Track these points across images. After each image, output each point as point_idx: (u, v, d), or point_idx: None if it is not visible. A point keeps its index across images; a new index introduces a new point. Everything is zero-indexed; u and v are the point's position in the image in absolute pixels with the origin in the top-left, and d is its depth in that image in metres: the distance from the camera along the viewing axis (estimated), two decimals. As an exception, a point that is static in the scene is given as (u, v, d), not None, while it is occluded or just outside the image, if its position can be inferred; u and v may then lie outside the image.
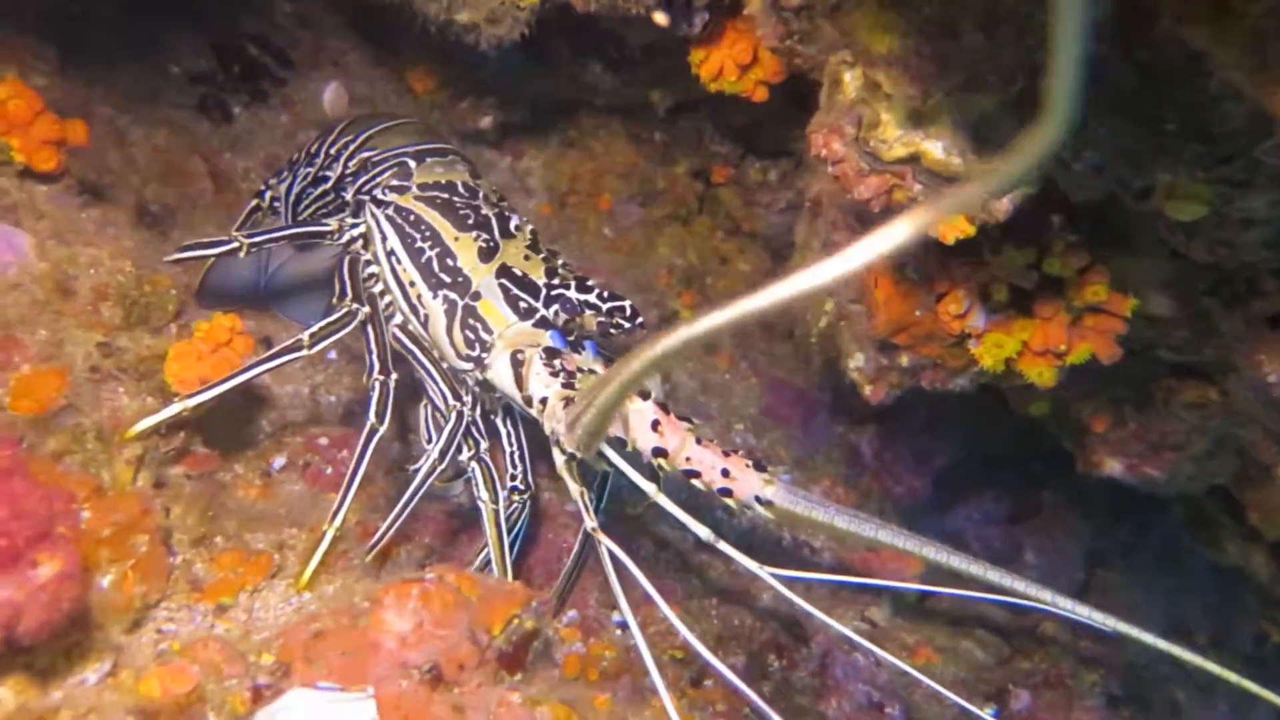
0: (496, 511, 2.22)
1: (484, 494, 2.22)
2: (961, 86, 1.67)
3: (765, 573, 1.85)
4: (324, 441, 2.43)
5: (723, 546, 1.89)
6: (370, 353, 2.17)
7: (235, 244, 2.21)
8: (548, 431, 2.02)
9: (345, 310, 2.17)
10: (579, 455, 1.91)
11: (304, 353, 2.05)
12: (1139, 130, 1.72)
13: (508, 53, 2.39)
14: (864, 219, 2.19)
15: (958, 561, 1.98)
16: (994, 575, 1.98)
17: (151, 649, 1.58)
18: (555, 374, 2.01)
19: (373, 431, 2.07)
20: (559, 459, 2.02)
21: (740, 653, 2.75)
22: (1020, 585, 1.96)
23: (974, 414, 3.16)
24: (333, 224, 2.39)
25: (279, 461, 2.34)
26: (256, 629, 1.70)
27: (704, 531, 1.90)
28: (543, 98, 3.27)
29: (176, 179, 2.74)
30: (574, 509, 2.78)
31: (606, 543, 1.93)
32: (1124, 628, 1.89)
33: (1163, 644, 1.86)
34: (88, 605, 1.49)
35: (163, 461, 1.93)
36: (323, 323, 2.12)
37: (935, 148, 1.75)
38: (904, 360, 2.44)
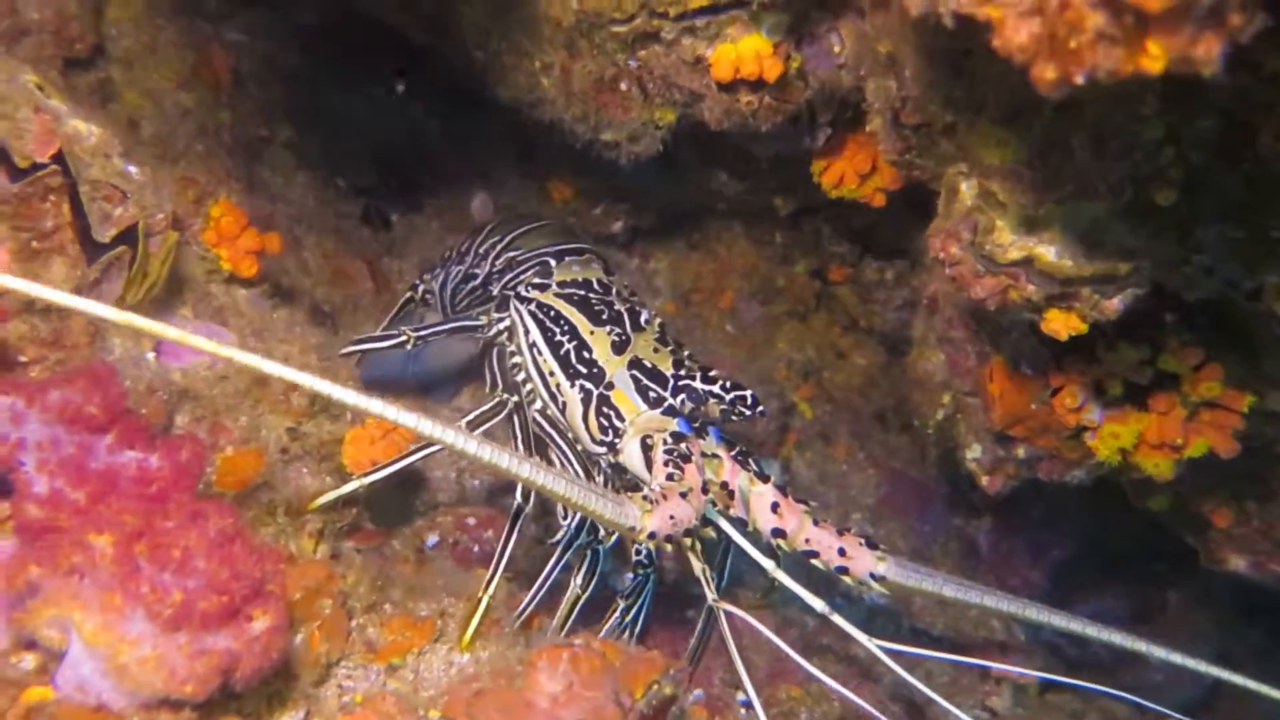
0: (580, 597, 2.37)
1: (579, 579, 2.36)
2: (1072, 195, 1.79)
3: (873, 645, 1.98)
4: (471, 521, 2.63)
5: (836, 619, 2.01)
6: (515, 438, 2.41)
7: (404, 339, 2.48)
8: None
9: (497, 400, 2.41)
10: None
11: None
12: (1247, 235, 1.81)
13: (642, 164, 2.61)
14: (980, 317, 2.30)
15: (1062, 621, 2.09)
16: (1113, 636, 2.04)
17: (336, 701, 1.77)
18: (666, 464, 2.11)
19: (519, 510, 2.27)
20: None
21: (861, 736, 2.80)
22: (1143, 645, 2.01)
23: (1093, 510, 3.19)
24: (482, 319, 2.64)
25: (432, 539, 2.54)
26: (423, 687, 1.87)
27: (819, 604, 2.02)
28: (671, 204, 3.49)
29: (343, 281, 3.03)
30: (698, 590, 2.93)
31: (731, 609, 2.07)
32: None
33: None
34: (287, 658, 1.69)
35: (338, 535, 2.15)
36: (478, 412, 2.36)
37: (1048, 251, 1.86)
38: (1020, 452, 2.50)
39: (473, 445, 1.39)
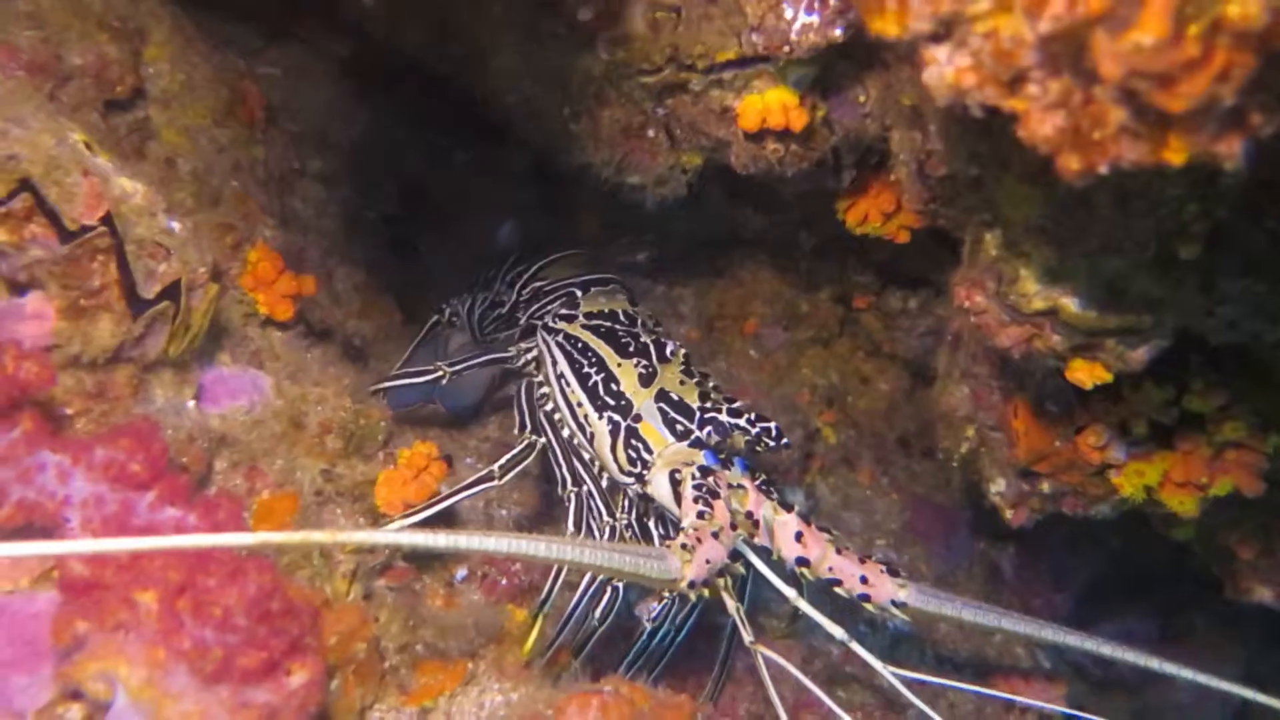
0: (596, 630, 2.38)
1: (597, 613, 2.36)
2: (1097, 250, 1.80)
3: (891, 674, 2.02)
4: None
5: (855, 647, 2.06)
6: (560, 467, 2.48)
7: (440, 373, 2.56)
8: None
9: (526, 443, 2.47)
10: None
11: (495, 483, 2.32)
12: (1270, 289, 1.82)
13: (667, 204, 2.64)
14: (1005, 361, 2.31)
15: (1077, 641, 2.13)
16: (1133, 656, 2.09)
17: (371, 747, 1.81)
18: (696, 501, 2.13)
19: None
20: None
21: (886, 767, 2.82)
22: (1167, 665, 2.05)
23: (1118, 533, 3.19)
24: (512, 351, 2.70)
25: (461, 573, 2.58)
26: (456, 731, 1.91)
27: (839, 632, 2.07)
28: (696, 234, 3.52)
29: (373, 312, 3.08)
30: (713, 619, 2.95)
31: (767, 654, 2.10)
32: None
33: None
34: (325, 707, 1.73)
35: (370, 575, 2.19)
36: (509, 456, 2.42)
37: (1072, 303, 1.87)
38: (1045, 487, 2.51)
39: (523, 545, 1.43)
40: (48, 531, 1.68)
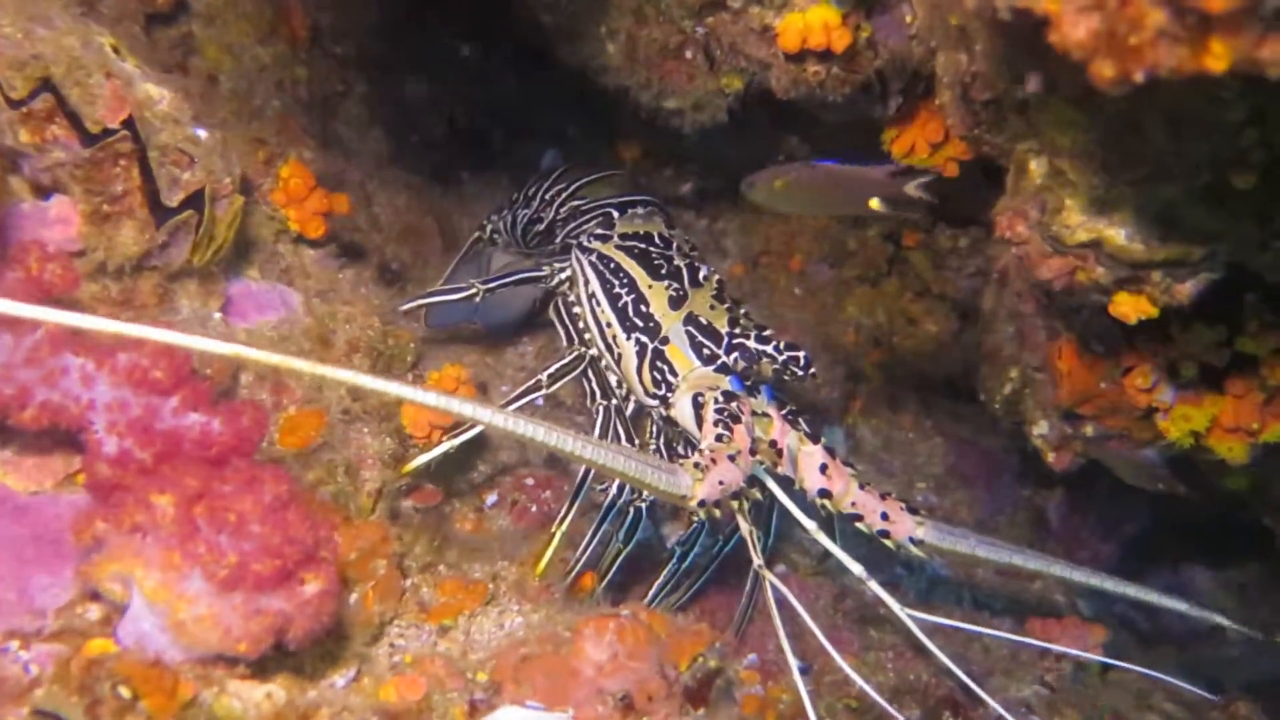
0: (621, 551, 2.41)
1: (620, 535, 2.39)
2: (1146, 178, 1.73)
3: (904, 614, 2.03)
4: (530, 482, 2.66)
5: (871, 585, 2.05)
6: (589, 381, 2.48)
7: (473, 291, 2.55)
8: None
9: (575, 354, 2.49)
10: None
11: (544, 391, 2.35)
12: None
13: (708, 130, 2.58)
14: (1050, 294, 2.25)
15: (1099, 581, 2.19)
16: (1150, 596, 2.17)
17: (387, 660, 1.82)
18: (716, 424, 2.13)
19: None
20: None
21: (915, 707, 2.79)
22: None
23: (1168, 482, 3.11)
24: (546, 270, 2.68)
25: (491, 499, 2.59)
26: (473, 650, 1.92)
27: (857, 568, 2.06)
28: (740, 166, 3.44)
29: (412, 238, 3.07)
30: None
31: (771, 579, 2.09)
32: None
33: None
34: (340, 619, 1.74)
35: (397, 495, 2.20)
36: (558, 365, 2.44)
37: (1119, 234, 1.81)
38: (1089, 430, 2.45)
39: (539, 431, 1.43)
40: (73, 435, 1.70)
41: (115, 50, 1.84)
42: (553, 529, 2.25)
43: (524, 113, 3.72)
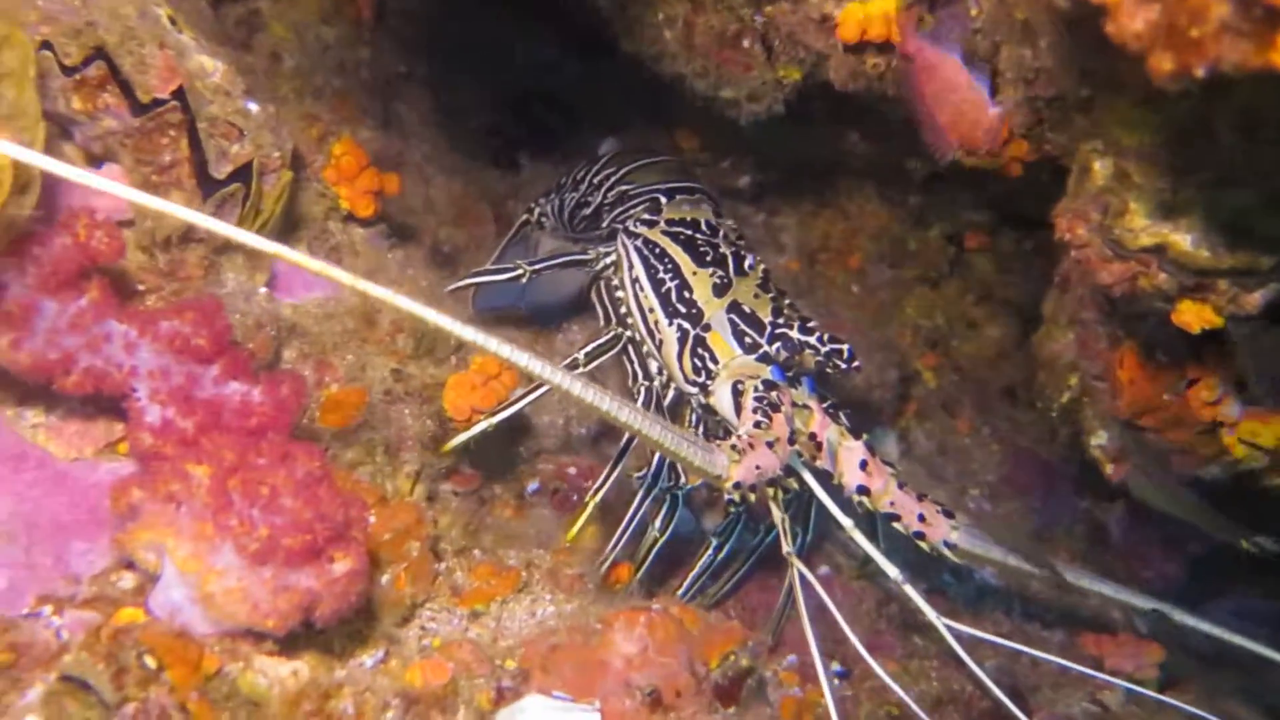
0: (657, 540, 2.39)
1: (657, 523, 2.38)
2: (1215, 182, 1.67)
3: (940, 622, 1.98)
4: (573, 471, 2.65)
5: (908, 589, 2.01)
6: (632, 360, 2.47)
7: (520, 272, 2.54)
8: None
9: (612, 334, 2.47)
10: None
11: (580, 370, 2.34)
12: None
13: (765, 121, 2.54)
14: (1114, 305, 2.19)
15: (1127, 598, 2.19)
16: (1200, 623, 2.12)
17: (416, 643, 1.82)
18: (755, 411, 2.10)
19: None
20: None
21: (957, 717, 2.74)
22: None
23: (1239, 501, 3.02)
24: (591, 254, 2.67)
25: (533, 486, 2.58)
26: (503, 636, 1.91)
27: (892, 570, 2.02)
28: (799, 160, 3.40)
29: (466, 222, 3.07)
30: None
31: (800, 567, 2.07)
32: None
33: None
34: (370, 599, 1.74)
35: (436, 477, 2.19)
36: (594, 344, 2.43)
37: (1184, 239, 1.75)
38: (1148, 439, 2.39)
39: (576, 385, 1.40)
40: (114, 402, 1.71)
41: (172, 21, 1.86)
42: (587, 498, 2.26)
43: (585, 100, 3.70)
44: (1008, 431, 3.56)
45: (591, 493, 2.28)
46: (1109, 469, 2.54)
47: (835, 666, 2.68)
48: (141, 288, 1.82)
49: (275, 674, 1.55)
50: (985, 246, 3.47)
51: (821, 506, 2.10)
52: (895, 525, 2.15)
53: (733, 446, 1.87)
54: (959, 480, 3.44)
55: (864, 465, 2.11)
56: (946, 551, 2.14)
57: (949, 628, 1.97)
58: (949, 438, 3.52)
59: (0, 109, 1.51)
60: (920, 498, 2.15)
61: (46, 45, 1.71)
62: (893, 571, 2.00)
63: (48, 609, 1.56)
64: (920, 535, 2.14)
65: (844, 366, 2.24)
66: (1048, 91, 1.87)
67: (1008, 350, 3.56)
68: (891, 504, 2.12)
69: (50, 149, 1.66)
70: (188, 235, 1.84)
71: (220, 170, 1.85)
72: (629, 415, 1.50)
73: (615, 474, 2.30)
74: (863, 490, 2.11)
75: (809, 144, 3.09)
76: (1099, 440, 2.54)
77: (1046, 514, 3.53)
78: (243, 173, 1.89)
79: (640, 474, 2.33)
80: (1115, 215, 1.81)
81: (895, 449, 3.40)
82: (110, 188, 1.13)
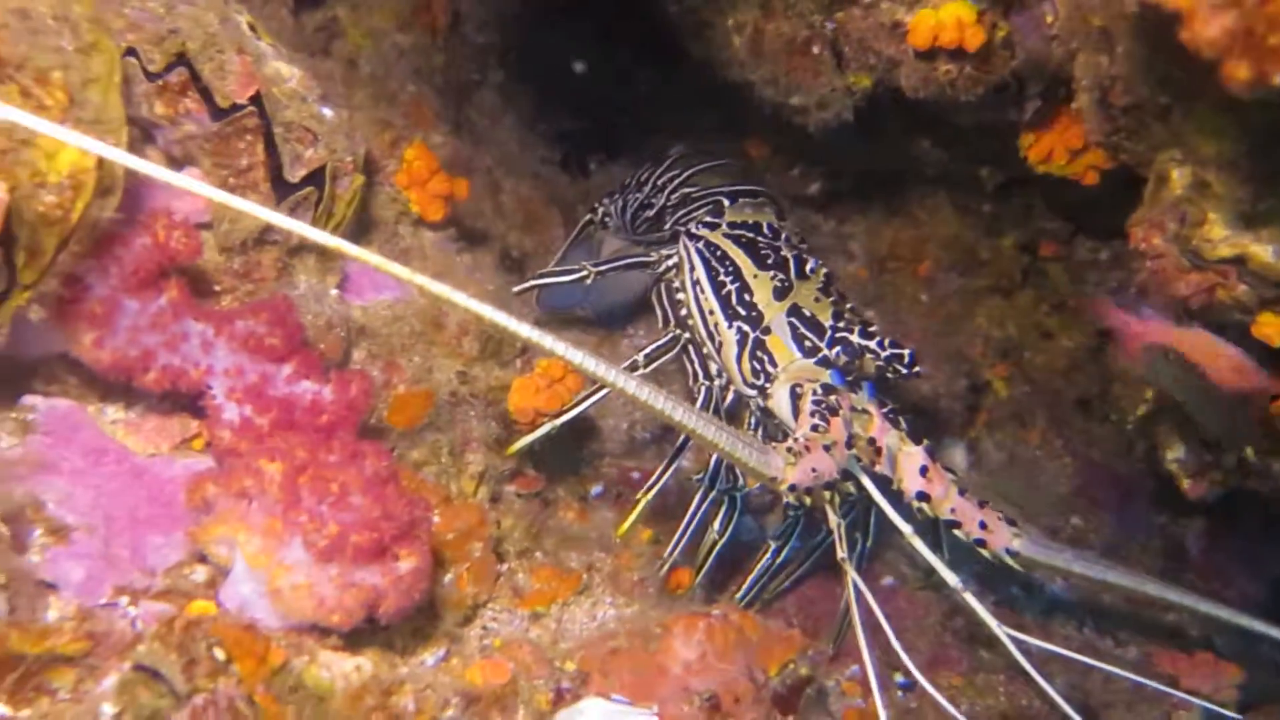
0: (716, 543, 2.38)
1: (716, 525, 2.37)
2: (1298, 192, 1.63)
3: (1003, 632, 1.96)
4: (636, 474, 2.66)
5: (968, 598, 2.00)
6: (693, 361, 2.49)
7: (585, 274, 2.57)
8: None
9: (671, 336, 2.49)
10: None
11: (640, 372, 2.36)
12: None
13: (834, 129, 2.53)
14: (1193, 317, 2.14)
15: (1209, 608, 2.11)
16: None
17: (478, 643, 1.84)
18: (813, 414, 2.10)
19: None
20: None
21: (1024, 734, 2.70)
22: None
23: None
24: (654, 256, 2.70)
25: (596, 489, 2.59)
26: (563, 638, 1.92)
27: (952, 578, 2.01)
28: (869, 166, 3.37)
29: (535, 227, 3.10)
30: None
31: (852, 575, 2.07)
32: None
33: None
34: (433, 598, 1.76)
35: (499, 479, 2.22)
36: (653, 346, 2.45)
37: (1265, 250, 1.70)
38: (1230, 458, 2.33)
39: (631, 385, 1.41)
40: (190, 400, 1.76)
41: (252, 28, 1.91)
42: (638, 496, 2.28)
43: (656, 107, 3.71)
44: (1081, 444, 3.48)
45: (643, 491, 2.29)
46: (1186, 484, 2.49)
47: (898, 679, 2.65)
48: (218, 288, 1.87)
49: (339, 669, 1.58)
50: (1060, 255, 3.40)
51: (882, 514, 2.08)
52: (956, 532, 2.12)
53: (789, 449, 1.87)
54: (1029, 493, 3.37)
55: (924, 471, 2.09)
56: (1008, 559, 2.11)
57: (1012, 638, 1.94)
58: (1020, 449, 3.45)
59: (86, 114, 1.56)
60: (981, 505, 2.11)
61: (131, 51, 1.76)
62: (952, 579, 1.98)
63: (124, 600, 1.60)
64: (981, 542, 2.11)
65: (905, 371, 2.23)
66: (1124, 99, 1.83)
67: (1082, 361, 3.49)
68: (952, 510, 2.09)
69: (133, 152, 1.70)
70: (262, 237, 1.89)
71: (294, 174, 1.90)
72: (684, 416, 1.50)
73: (668, 474, 2.31)
74: (922, 496, 2.09)
75: (879, 151, 3.06)
76: (1176, 454, 2.49)
77: (1121, 529, 3.45)
78: (316, 177, 1.93)
79: (699, 476, 2.34)
80: (1193, 225, 1.77)
81: (964, 459, 3.35)
82: (196, 187, 1.16)
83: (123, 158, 1.06)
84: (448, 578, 1.87)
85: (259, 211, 1.17)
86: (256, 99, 1.80)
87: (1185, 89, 1.66)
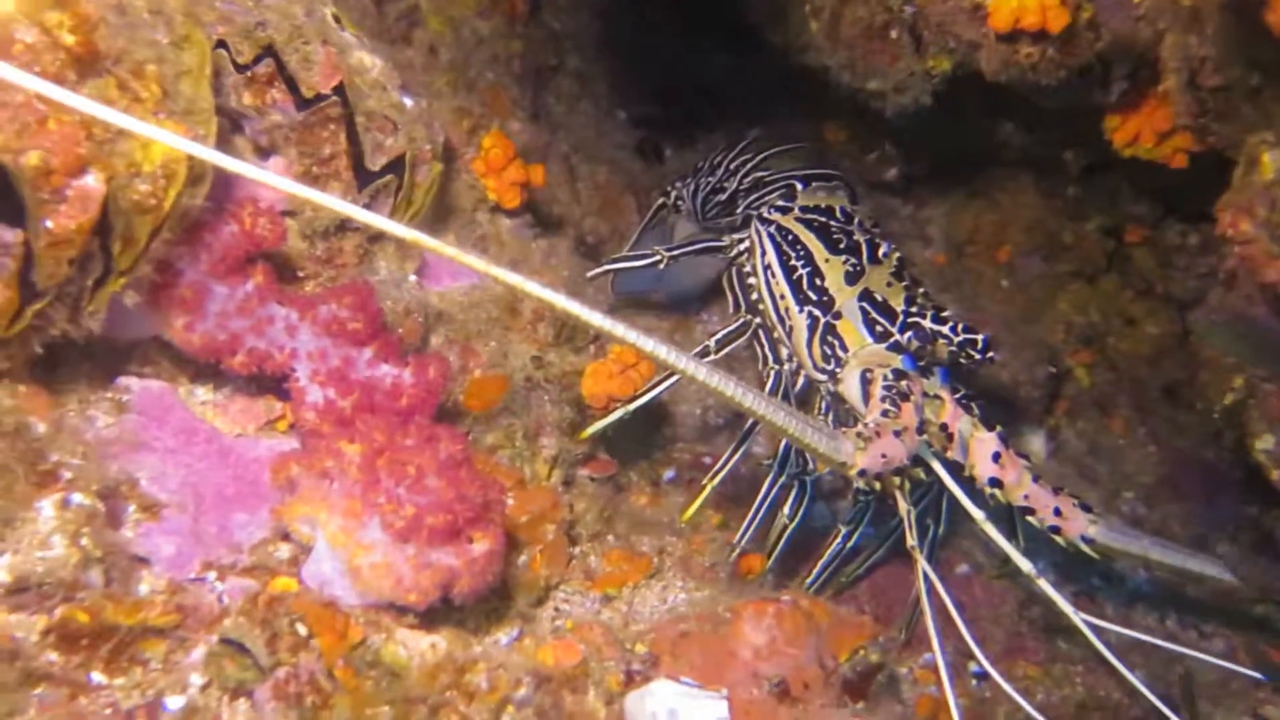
0: (787, 527, 2.39)
1: (786, 510, 2.37)
2: (1396, 177, 1.57)
3: (1080, 618, 1.95)
4: (708, 460, 2.67)
5: (1042, 584, 1.99)
6: (763, 345, 2.50)
7: (658, 258, 2.58)
8: None
9: (742, 321, 2.50)
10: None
11: (712, 357, 2.38)
12: None
13: (913, 113, 2.50)
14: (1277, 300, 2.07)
15: None
16: None
17: (549, 624, 1.87)
18: (884, 400, 2.09)
19: None
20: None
21: (1102, 724, 2.66)
22: None
23: None
24: (726, 240, 2.70)
25: (669, 474, 2.61)
26: (634, 621, 1.94)
27: (1025, 564, 2.01)
28: (948, 151, 3.32)
29: (611, 212, 3.12)
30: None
31: (922, 563, 2.06)
32: None
33: None
34: (506, 579, 1.80)
35: (572, 463, 2.24)
36: (724, 332, 2.46)
37: (1358, 238, 1.66)
38: (1319, 449, 2.27)
39: (701, 370, 1.41)
40: (275, 382, 1.81)
41: (336, 19, 1.95)
42: (704, 480, 2.29)
43: (733, 92, 3.70)
44: (1166, 433, 3.41)
45: (710, 475, 2.30)
46: (1275, 475, 2.42)
47: (972, 667, 2.63)
48: (301, 274, 1.92)
49: (415, 646, 1.62)
50: (1146, 240, 3.32)
51: (955, 501, 2.07)
52: (1030, 519, 2.11)
53: (859, 434, 1.87)
54: (1113, 482, 3.31)
55: (997, 457, 2.07)
56: (1084, 546, 2.10)
57: (1088, 623, 1.92)
58: (1102, 437, 3.39)
59: (179, 105, 1.61)
60: (1056, 491, 2.10)
61: (222, 44, 1.82)
62: (1025, 565, 1.96)
63: (212, 575, 1.66)
64: (1056, 529, 2.10)
65: (978, 357, 2.21)
66: (1213, 81, 1.79)
67: (1168, 348, 3.41)
68: (1026, 497, 2.08)
69: (222, 142, 1.76)
70: (344, 224, 1.93)
71: (375, 162, 1.94)
72: (753, 401, 1.51)
73: (736, 458, 2.31)
74: (995, 483, 2.07)
75: (959, 135, 3.02)
76: (1265, 444, 2.42)
77: (1207, 520, 3.37)
78: (396, 165, 1.97)
79: (768, 461, 2.34)
80: (1284, 210, 1.72)
81: (1044, 447, 3.30)
82: (272, 180, 1.20)
83: (202, 152, 1.09)
84: (521, 559, 1.90)
85: (333, 203, 1.19)
86: (340, 89, 1.84)
87: (1277, 70, 1.61)
